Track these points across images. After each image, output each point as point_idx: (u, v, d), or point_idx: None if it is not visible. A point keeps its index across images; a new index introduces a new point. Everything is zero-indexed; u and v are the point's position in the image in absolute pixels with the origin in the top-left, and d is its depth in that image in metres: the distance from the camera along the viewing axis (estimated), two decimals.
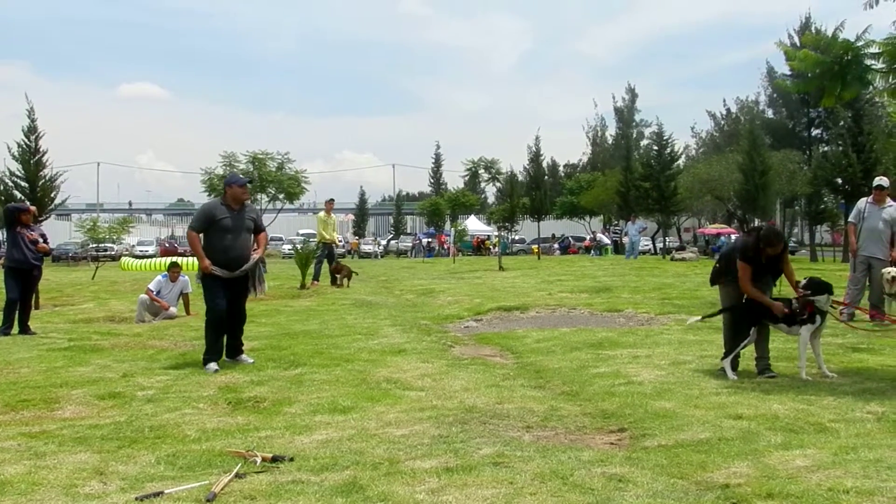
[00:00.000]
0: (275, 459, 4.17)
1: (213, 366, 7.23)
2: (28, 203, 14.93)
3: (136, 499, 3.58)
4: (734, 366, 6.61)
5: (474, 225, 58.73)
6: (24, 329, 10.09)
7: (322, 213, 18.17)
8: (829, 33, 7.67)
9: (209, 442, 4.68)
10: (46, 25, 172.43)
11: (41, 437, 4.85)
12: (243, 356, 7.62)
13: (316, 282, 17.27)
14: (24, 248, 10.19)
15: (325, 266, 17.81)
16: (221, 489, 3.67)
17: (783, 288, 7.12)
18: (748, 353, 6.84)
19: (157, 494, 3.63)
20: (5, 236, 10.84)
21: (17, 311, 10.15)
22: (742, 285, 6.65)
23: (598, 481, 3.73)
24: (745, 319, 6.68)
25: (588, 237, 53.26)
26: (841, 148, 34.18)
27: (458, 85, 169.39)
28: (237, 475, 3.88)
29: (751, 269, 6.61)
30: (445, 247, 47.56)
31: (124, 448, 4.57)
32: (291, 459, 4.20)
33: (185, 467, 4.16)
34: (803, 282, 6.62)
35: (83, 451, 4.48)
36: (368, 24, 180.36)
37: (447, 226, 61.72)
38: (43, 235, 10.71)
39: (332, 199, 19.36)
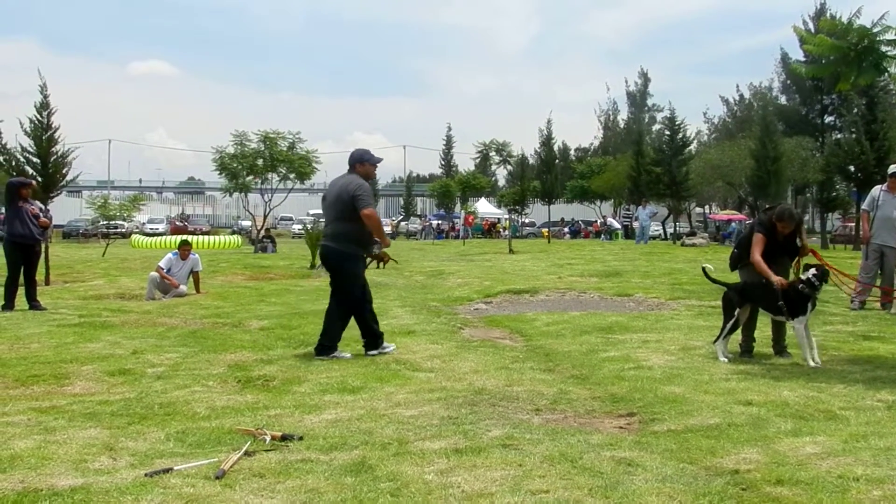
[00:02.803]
0: (284, 438, 4.18)
1: (347, 353, 6.85)
2: (38, 178, 14.74)
3: (146, 475, 3.59)
4: (745, 349, 6.65)
5: (485, 207, 58.59)
6: (33, 304, 10.08)
7: None
8: (845, 20, 7.55)
9: (219, 419, 4.70)
10: (54, 1, 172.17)
11: (51, 412, 4.88)
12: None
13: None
14: (28, 224, 10.08)
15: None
16: (230, 467, 3.68)
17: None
18: (764, 341, 6.83)
19: (166, 471, 3.64)
20: (5, 211, 10.69)
21: (17, 287, 10.11)
22: (752, 253, 6.59)
23: (606, 465, 3.72)
24: (734, 300, 6.64)
25: (598, 220, 53.12)
26: (854, 135, 33.87)
27: (468, 67, 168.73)
28: (246, 453, 3.89)
29: (764, 241, 6.57)
30: (471, 228, 47.61)
31: (134, 424, 4.59)
32: (301, 438, 4.21)
33: (195, 444, 4.17)
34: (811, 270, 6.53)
35: (93, 427, 4.50)
36: (377, 5, 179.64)
37: (457, 208, 61.56)
38: (41, 210, 10.65)
39: None
